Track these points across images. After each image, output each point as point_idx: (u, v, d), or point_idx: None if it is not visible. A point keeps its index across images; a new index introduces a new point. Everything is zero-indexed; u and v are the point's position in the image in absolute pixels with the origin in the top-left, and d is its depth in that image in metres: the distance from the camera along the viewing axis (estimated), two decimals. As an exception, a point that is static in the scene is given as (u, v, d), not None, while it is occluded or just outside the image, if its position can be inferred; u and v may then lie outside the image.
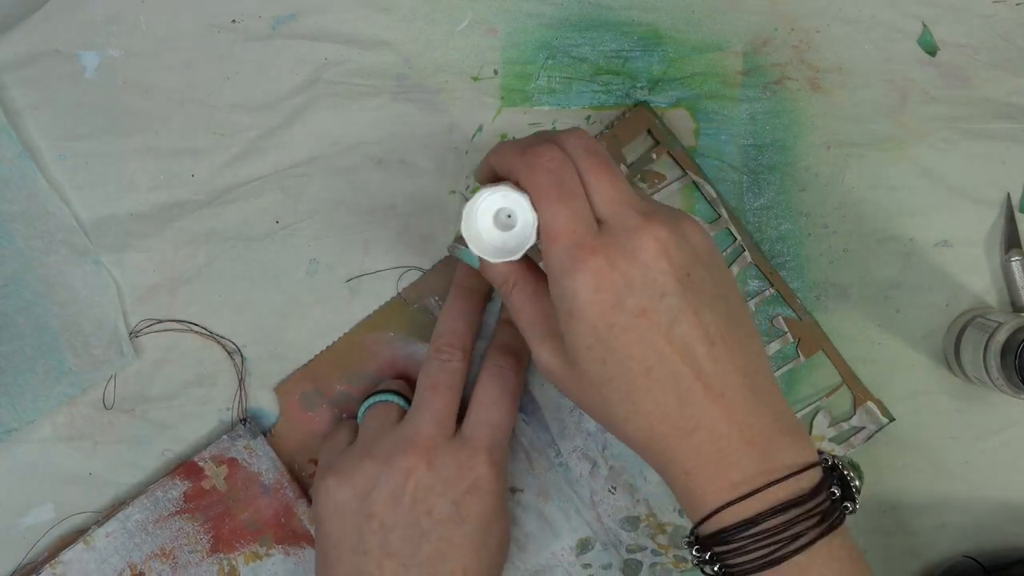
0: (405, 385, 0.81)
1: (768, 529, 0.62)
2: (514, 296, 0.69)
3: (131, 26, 0.81)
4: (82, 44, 0.81)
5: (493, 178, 0.70)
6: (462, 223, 0.67)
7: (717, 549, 0.64)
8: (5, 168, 0.80)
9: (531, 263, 0.69)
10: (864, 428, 0.82)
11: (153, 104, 0.81)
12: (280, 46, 0.81)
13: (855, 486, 0.66)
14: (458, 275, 0.81)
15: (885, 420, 0.81)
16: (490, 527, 0.74)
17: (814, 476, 0.64)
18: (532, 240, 0.66)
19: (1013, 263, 0.81)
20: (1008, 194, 0.82)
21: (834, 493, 0.65)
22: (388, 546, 0.72)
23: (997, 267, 0.82)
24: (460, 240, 0.72)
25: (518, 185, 0.66)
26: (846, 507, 0.65)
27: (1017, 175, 0.82)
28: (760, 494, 0.63)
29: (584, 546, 0.83)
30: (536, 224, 0.65)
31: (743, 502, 0.63)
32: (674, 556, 0.83)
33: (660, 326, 0.63)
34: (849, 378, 0.82)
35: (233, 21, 0.81)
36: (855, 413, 0.82)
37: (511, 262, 0.68)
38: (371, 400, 0.79)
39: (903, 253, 0.82)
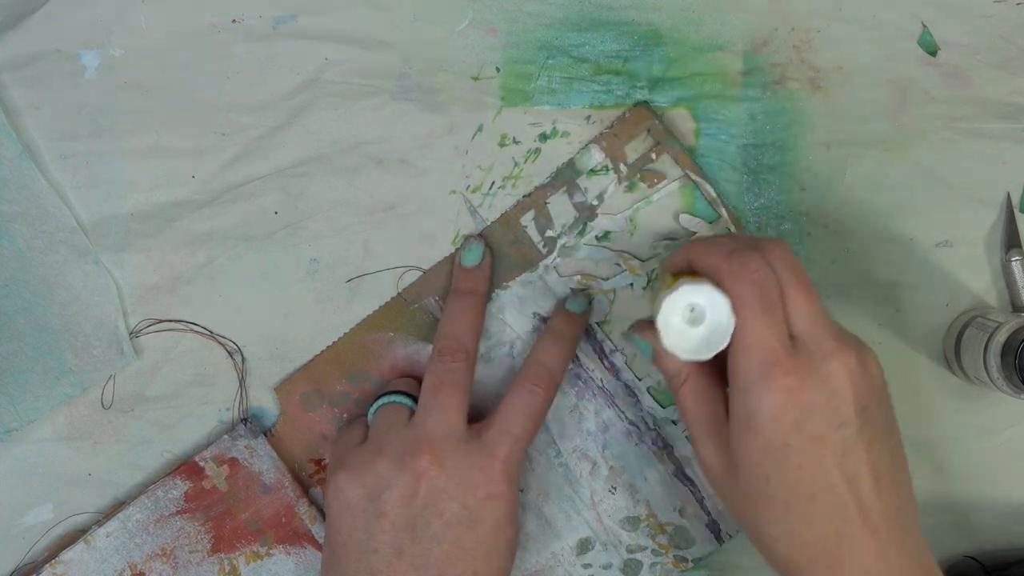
0: (414, 384, 0.81)
1: None
2: (684, 391, 0.70)
3: (131, 26, 0.81)
4: (82, 44, 0.81)
5: (684, 269, 0.70)
6: (658, 312, 0.66)
7: None
8: (5, 168, 0.80)
9: (704, 362, 0.68)
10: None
11: (153, 104, 0.81)
12: (280, 46, 0.81)
13: None
14: (456, 277, 0.81)
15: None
16: (501, 533, 0.74)
17: None
18: (725, 343, 0.65)
19: (1013, 263, 0.81)
20: (1008, 194, 0.82)
21: None
22: (399, 546, 0.72)
23: (997, 267, 0.82)
24: (636, 327, 0.73)
25: (718, 285, 0.66)
26: None
27: (1017, 175, 0.82)
28: None
29: (584, 546, 0.83)
30: (732, 330, 0.65)
31: None
32: (674, 556, 0.83)
33: (833, 455, 0.63)
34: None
35: (233, 21, 0.81)
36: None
37: (673, 364, 0.69)
38: (380, 401, 0.79)
39: (903, 253, 0.82)
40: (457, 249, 0.82)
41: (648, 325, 0.71)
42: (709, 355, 0.66)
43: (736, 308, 0.65)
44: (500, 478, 0.74)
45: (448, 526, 0.72)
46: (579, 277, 0.82)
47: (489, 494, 0.73)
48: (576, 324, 0.81)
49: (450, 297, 0.80)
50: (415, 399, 0.78)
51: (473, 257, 0.80)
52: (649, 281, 0.82)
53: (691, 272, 0.69)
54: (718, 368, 0.70)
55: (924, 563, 0.66)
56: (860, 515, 0.64)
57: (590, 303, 0.82)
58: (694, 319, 0.66)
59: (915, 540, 0.66)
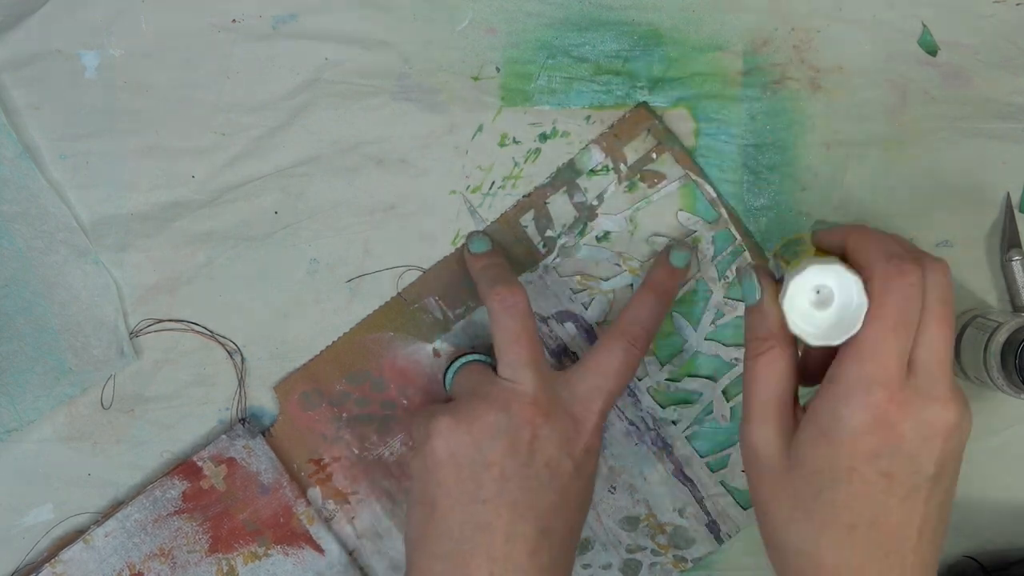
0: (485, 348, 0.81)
1: None
2: (763, 361, 0.66)
3: (131, 26, 0.81)
4: (82, 44, 0.81)
5: (832, 248, 0.68)
6: (788, 280, 0.64)
7: None
8: (5, 168, 0.80)
9: (793, 340, 0.67)
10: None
11: (153, 104, 0.81)
12: (280, 46, 0.81)
13: None
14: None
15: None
16: (592, 485, 0.74)
17: None
18: (854, 332, 0.62)
19: (1013, 263, 0.81)
20: (1008, 194, 0.82)
21: None
22: (508, 495, 0.70)
23: (997, 267, 0.82)
24: (758, 270, 0.69)
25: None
26: None
27: (1017, 175, 0.82)
28: None
29: (583, 546, 0.83)
30: (861, 322, 0.62)
31: None
32: (673, 556, 0.83)
33: (896, 495, 0.62)
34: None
35: (233, 21, 0.81)
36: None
37: (783, 328, 0.65)
38: (456, 364, 0.79)
39: (903, 253, 0.82)
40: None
41: (768, 274, 0.68)
42: (838, 341, 0.63)
43: (871, 313, 0.62)
44: (596, 432, 0.73)
45: (556, 476, 0.71)
46: (579, 277, 0.82)
47: (588, 447, 0.73)
48: (677, 279, 0.79)
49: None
50: (490, 356, 0.78)
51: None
52: (786, 246, 0.81)
53: (840, 256, 0.66)
54: (798, 356, 0.68)
55: None
56: (896, 559, 0.63)
57: (693, 255, 0.80)
58: (821, 303, 0.64)
59: None
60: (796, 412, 0.66)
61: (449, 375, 0.79)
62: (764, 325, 0.67)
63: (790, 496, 0.64)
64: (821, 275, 0.63)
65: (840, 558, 0.63)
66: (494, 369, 0.75)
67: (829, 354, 0.64)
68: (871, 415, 0.61)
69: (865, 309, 0.62)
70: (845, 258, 0.65)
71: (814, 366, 0.67)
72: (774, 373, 0.66)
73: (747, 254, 0.82)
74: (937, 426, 0.62)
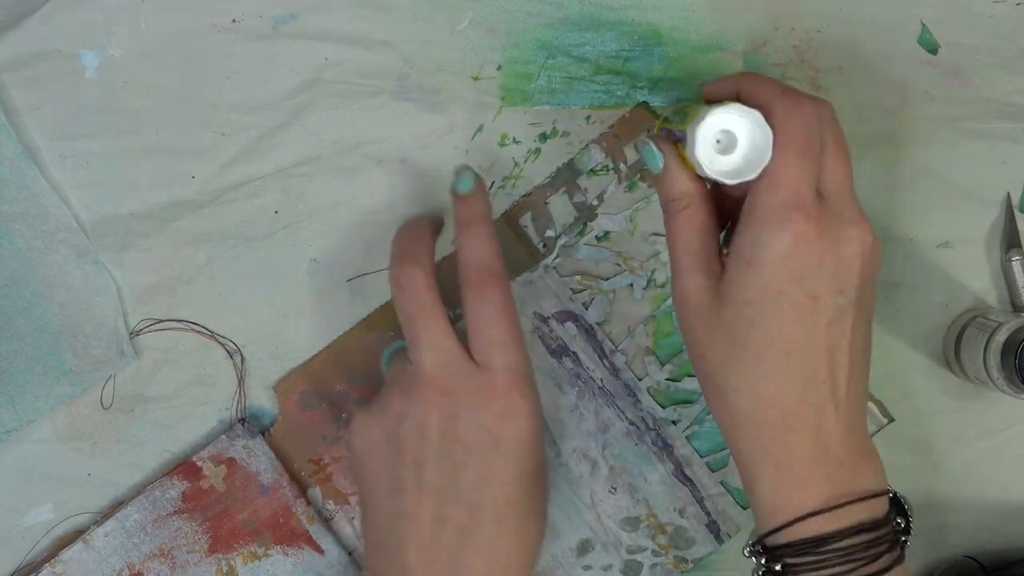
0: None
1: (845, 548, 0.63)
2: (682, 217, 0.68)
3: (131, 26, 0.81)
4: (82, 44, 0.81)
5: (724, 98, 0.68)
6: (694, 127, 0.65)
7: (791, 560, 0.64)
8: (5, 168, 0.80)
9: (708, 195, 0.68)
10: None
11: (153, 104, 0.81)
12: (280, 46, 0.81)
13: (911, 522, 0.67)
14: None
15: (885, 421, 0.81)
16: (528, 453, 0.70)
17: (884, 505, 0.65)
18: (756, 173, 0.64)
19: (1013, 263, 0.81)
20: (1008, 193, 0.82)
21: (899, 523, 0.66)
22: (424, 481, 0.69)
23: (997, 267, 0.82)
24: (654, 137, 0.70)
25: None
26: (904, 540, 0.66)
27: (1017, 175, 0.82)
28: (842, 511, 0.63)
29: (584, 547, 0.83)
30: (768, 158, 0.64)
31: (824, 517, 0.63)
32: (674, 557, 0.83)
33: (823, 318, 0.63)
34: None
35: (233, 21, 0.81)
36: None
37: (692, 181, 0.67)
38: (388, 351, 0.77)
39: (903, 253, 0.82)
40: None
41: (666, 139, 0.69)
42: (736, 180, 0.65)
43: (776, 143, 0.64)
44: (507, 390, 0.69)
45: (470, 450, 0.69)
46: (579, 277, 0.82)
47: (502, 409, 0.69)
48: (475, 204, 0.73)
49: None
50: None
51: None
52: (675, 112, 0.78)
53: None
54: (716, 205, 0.69)
55: (869, 450, 0.66)
56: (829, 385, 0.64)
57: (477, 177, 0.74)
58: (726, 148, 0.65)
59: (863, 427, 0.66)
60: (721, 259, 0.67)
61: (383, 364, 0.78)
62: (676, 186, 0.68)
63: (724, 335, 0.65)
64: (724, 116, 0.65)
65: (778, 387, 0.64)
66: None
67: (742, 194, 0.66)
68: (791, 237, 0.62)
69: (771, 139, 0.64)
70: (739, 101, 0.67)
71: (729, 209, 0.69)
72: (694, 226, 0.68)
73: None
74: (853, 246, 0.63)
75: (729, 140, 0.65)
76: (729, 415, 0.66)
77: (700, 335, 0.67)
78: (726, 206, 0.70)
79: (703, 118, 0.65)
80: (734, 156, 0.65)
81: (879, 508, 0.65)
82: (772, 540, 0.65)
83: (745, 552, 0.67)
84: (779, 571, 0.65)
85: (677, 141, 0.69)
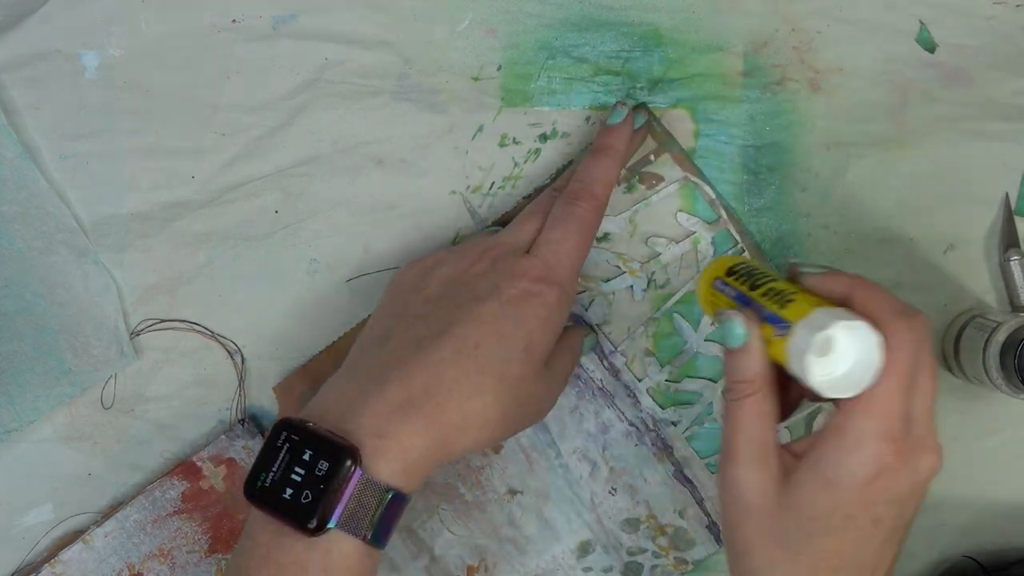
0: None
1: None
2: (748, 404, 0.65)
3: (131, 26, 0.81)
4: (82, 44, 0.81)
5: (830, 295, 0.65)
6: (806, 326, 0.62)
7: None
8: (5, 168, 0.80)
9: (776, 383, 0.66)
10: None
11: (153, 104, 0.81)
12: (280, 46, 0.81)
13: None
14: (598, 135, 0.78)
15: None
16: (524, 327, 0.70)
17: None
18: (868, 385, 0.61)
19: (1012, 263, 0.81)
20: (1007, 194, 0.82)
21: None
22: (422, 312, 0.71)
23: (996, 267, 0.82)
24: (739, 312, 0.66)
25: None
26: None
27: (1017, 176, 0.82)
28: None
29: (584, 548, 0.83)
30: (876, 374, 0.61)
31: None
32: (675, 558, 0.83)
33: (878, 539, 0.63)
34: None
35: (233, 21, 0.81)
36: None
37: (767, 367, 0.65)
38: (482, 228, 0.81)
39: (903, 253, 0.82)
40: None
41: (755, 318, 0.66)
42: (840, 395, 0.62)
43: (886, 369, 0.62)
44: (540, 277, 0.71)
45: (474, 299, 0.70)
46: (579, 279, 0.82)
47: (524, 289, 0.70)
48: (618, 136, 0.78)
49: (589, 153, 0.77)
50: None
51: (617, 116, 0.79)
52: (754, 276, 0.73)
53: (828, 302, 0.64)
54: (781, 395, 0.67)
55: None
56: None
57: (630, 111, 0.79)
58: (827, 351, 0.61)
59: None
60: (779, 453, 0.66)
61: None
62: (750, 368, 0.66)
63: (777, 538, 0.64)
64: (846, 330, 0.61)
65: None
66: None
67: (801, 390, 0.65)
68: (876, 468, 0.62)
69: (881, 367, 0.61)
70: (846, 306, 0.64)
71: (788, 402, 0.68)
72: (759, 416, 0.65)
73: (747, 255, 0.81)
74: (926, 475, 0.63)
75: (834, 346, 0.61)
76: None
77: (749, 531, 0.65)
78: (790, 394, 0.69)
79: (822, 326, 0.61)
80: (834, 366, 0.62)
81: None
82: None
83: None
84: None
85: (767, 322, 0.66)
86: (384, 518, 0.65)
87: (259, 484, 0.65)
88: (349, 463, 0.64)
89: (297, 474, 0.65)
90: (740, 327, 0.66)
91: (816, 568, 0.64)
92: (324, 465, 0.64)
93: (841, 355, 0.61)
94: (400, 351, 0.69)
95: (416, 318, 0.70)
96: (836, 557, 0.63)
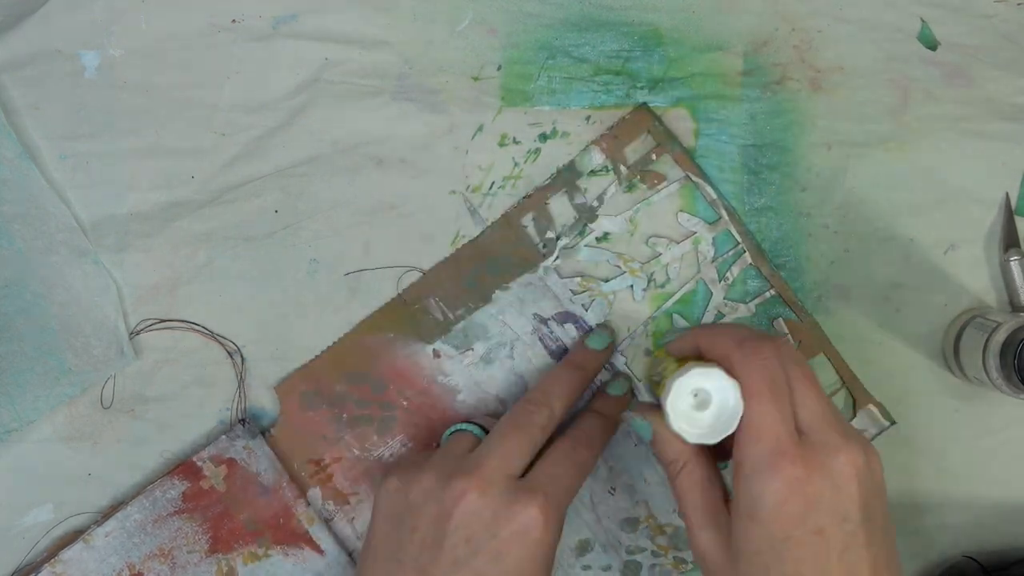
0: (492, 421, 0.80)
1: None
2: (682, 478, 0.69)
3: (131, 26, 0.81)
4: (82, 44, 0.81)
5: (689, 354, 0.72)
6: (666, 395, 0.67)
7: None
8: (5, 168, 0.80)
9: (702, 448, 0.69)
10: (864, 431, 0.82)
11: (153, 104, 0.81)
12: (280, 46, 0.81)
13: None
14: (574, 350, 0.81)
15: (886, 423, 0.81)
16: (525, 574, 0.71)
17: None
18: (733, 428, 0.66)
19: (1012, 263, 0.81)
20: (1007, 194, 0.82)
21: None
22: (421, 563, 0.70)
23: (996, 267, 0.82)
24: (637, 409, 0.72)
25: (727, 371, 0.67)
26: None
27: (1017, 175, 0.82)
28: None
29: (583, 548, 0.83)
30: (740, 415, 0.65)
31: None
32: (674, 557, 0.83)
33: (834, 549, 0.63)
34: (850, 380, 0.82)
35: (233, 21, 0.81)
36: (856, 416, 0.82)
37: (685, 444, 0.68)
38: (454, 428, 0.79)
39: (903, 253, 0.82)
40: (586, 332, 0.82)
41: (649, 407, 0.72)
42: (716, 439, 0.67)
43: (745, 395, 0.65)
44: (537, 516, 0.70)
45: (473, 553, 0.70)
46: (579, 279, 0.82)
47: (521, 529, 0.70)
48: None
49: (562, 364, 0.80)
50: (487, 431, 0.78)
51: (598, 343, 0.81)
52: (650, 367, 0.82)
53: (696, 357, 0.70)
54: (716, 457, 0.70)
55: None
56: None
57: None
58: (701, 403, 0.67)
59: None
60: (728, 508, 0.68)
61: (444, 437, 0.80)
62: (668, 451, 0.70)
63: None
64: (699, 378, 0.67)
65: None
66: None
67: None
68: (782, 483, 0.63)
69: (739, 391, 0.66)
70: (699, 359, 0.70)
71: (728, 449, 0.69)
72: (694, 482, 0.69)
73: (747, 255, 0.81)
74: (845, 472, 0.64)
75: (703, 398, 0.67)
76: None
77: None
78: (725, 448, 0.70)
79: (668, 391, 0.67)
80: (704, 416, 0.67)
81: None
82: None
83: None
84: None
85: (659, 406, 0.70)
86: None
87: None
88: None
89: None
90: (642, 423, 0.71)
91: None
92: None
93: (703, 403, 0.67)
94: None
95: (417, 570, 0.70)
96: None
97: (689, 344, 0.71)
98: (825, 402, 0.66)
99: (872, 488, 0.65)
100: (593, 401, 0.81)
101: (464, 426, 0.78)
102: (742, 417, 0.65)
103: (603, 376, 0.82)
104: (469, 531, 0.70)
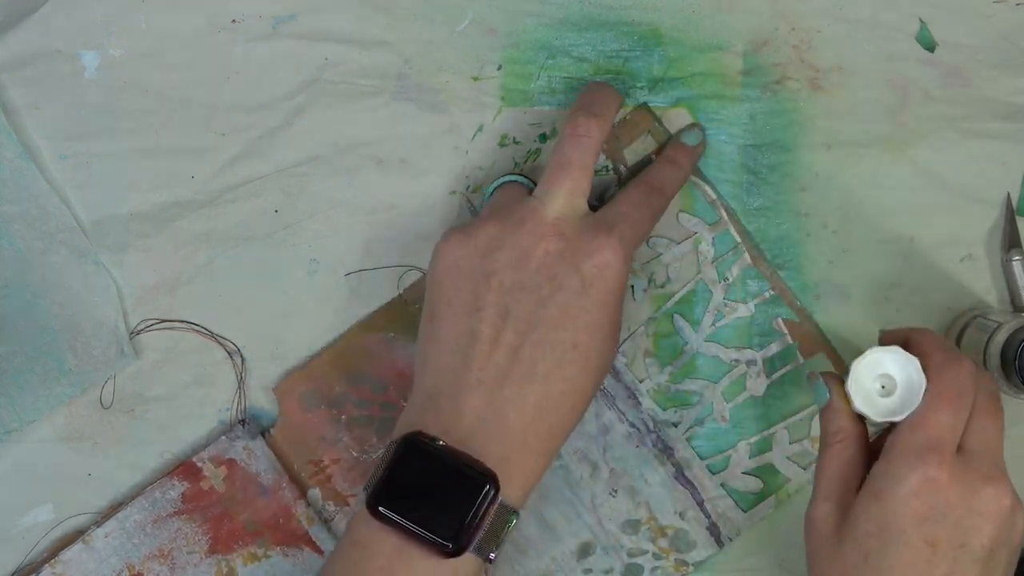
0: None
1: None
2: (835, 448, 0.69)
3: (131, 26, 0.81)
4: (82, 44, 0.81)
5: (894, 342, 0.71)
6: (855, 364, 0.70)
7: None
8: (5, 168, 0.80)
9: (864, 430, 0.70)
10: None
11: (153, 104, 0.81)
12: (280, 46, 0.81)
13: None
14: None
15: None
16: (608, 309, 0.71)
17: None
18: (914, 407, 0.67)
19: (1013, 263, 0.81)
20: (1008, 194, 0.82)
21: None
22: (505, 307, 0.70)
23: (997, 267, 0.82)
24: (824, 376, 0.73)
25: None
26: None
27: (1017, 175, 0.82)
28: None
29: (585, 550, 0.83)
30: (921, 396, 0.67)
31: None
32: (675, 560, 0.83)
33: (939, 568, 0.63)
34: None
35: (233, 21, 0.81)
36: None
37: (851, 419, 0.70)
38: (499, 181, 0.79)
39: (903, 253, 0.82)
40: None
41: (834, 377, 0.72)
42: (903, 415, 0.67)
43: (929, 390, 0.66)
44: (617, 249, 0.70)
45: (558, 289, 0.69)
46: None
47: (603, 263, 0.70)
48: (690, 156, 0.80)
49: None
50: (533, 181, 0.78)
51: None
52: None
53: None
54: (872, 452, 0.70)
55: None
56: None
57: (704, 137, 0.81)
58: (883, 387, 0.69)
59: None
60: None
61: (487, 191, 0.80)
62: (835, 421, 0.70)
63: (841, 564, 0.66)
64: (881, 356, 0.69)
65: None
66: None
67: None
68: (921, 477, 0.63)
69: (924, 387, 0.67)
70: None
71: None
72: (843, 458, 0.69)
73: (747, 255, 0.81)
74: (988, 505, 0.63)
75: (890, 385, 0.69)
76: None
77: (820, 560, 0.68)
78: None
79: (863, 357, 0.69)
80: (888, 400, 0.69)
81: None
82: None
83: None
84: None
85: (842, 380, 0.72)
86: (505, 538, 0.68)
87: (387, 497, 0.67)
88: (489, 489, 0.66)
89: (433, 494, 0.67)
90: (822, 387, 0.71)
91: None
92: (463, 488, 0.66)
93: (886, 387, 0.69)
94: (500, 365, 0.69)
95: (500, 317, 0.70)
96: None
97: (900, 335, 0.72)
98: (999, 440, 0.66)
99: (1006, 537, 0.65)
100: (667, 150, 0.80)
101: (510, 178, 0.79)
102: (915, 410, 0.66)
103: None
104: (551, 270, 0.70)
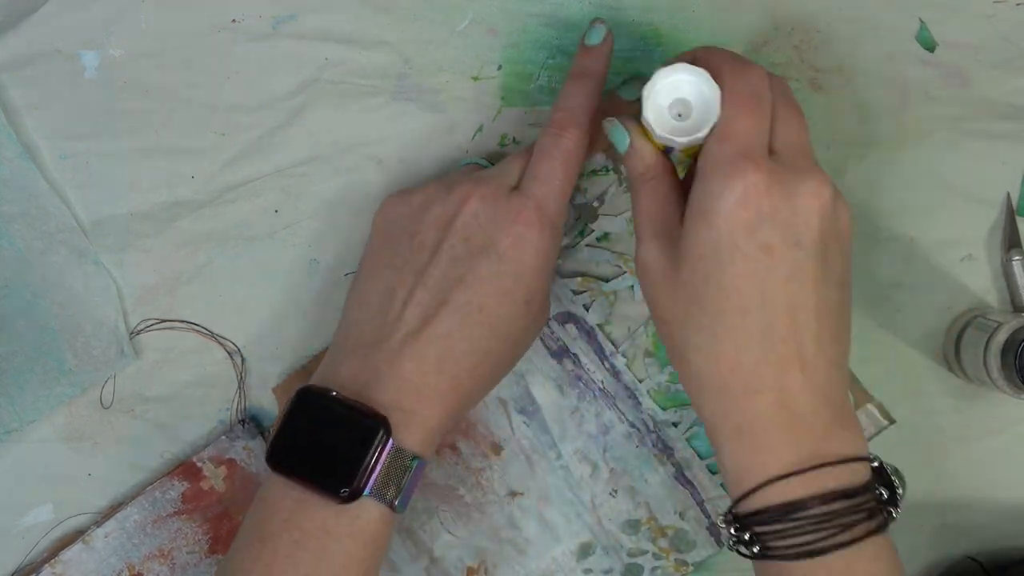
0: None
1: (816, 515, 0.61)
2: (646, 187, 0.69)
3: (131, 26, 0.81)
4: (82, 44, 0.81)
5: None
6: (645, 90, 0.67)
7: (759, 529, 0.63)
8: (5, 168, 0.80)
9: (672, 166, 0.69)
10: (864, 431, 0.81)
11: (153, 104, 0.81)
12: (280, 46, 0.81)
13: (899, 493, 0.66)
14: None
15: (885, 423, 0.81)
16: (522, 281, 0.71)
17: (863, 472, 0.64)
18: (714, 121, 0.65)
19: (1013, 263, 0.81)
20: (1008, 194, 0.82)
21: (881, 494, 0.64)
22: (419, 264, 0.71)
23: (997, 267, 0.82)
24: (619, 117, 0.71)
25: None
26: (889, 512, 0.65)
27: (1017, 175, 0.82)
28: (810, 477, 0.62)
29: (585, 550, 0.83)
30: (719, 107, 0.65)
31: (791, 482, 0.62)
32: (675, 560, 0.83)
33: (779, 271, 0.62)
34: (850, 380, 0.82)
35: (233, 21, 0.81)
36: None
37: (655, 155, 0.69)
38: (464, 162, 0.80)
39: (903, 253, 0.82)
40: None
41: (632, 120, 0.70)
42: (703, 132, 0.65)
43: (725, 99, 0.64)
44: (532, 219, 0.70)
45: (470, 253, 0.70)
46: (580, 278, 0.82)
47: (518, 235, 0.70)
48: (597, 58, 0.75)
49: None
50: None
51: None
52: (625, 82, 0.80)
53: None
54: (683, 180, 0.69)
55: (844, 416, 0.65)
56: (792, 345, 0.63)
57: (609, 30, 0.76)
58: (680, 117, 0.67)
59: (839, 392, 0.65)
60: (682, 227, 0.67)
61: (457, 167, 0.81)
62: (641, 161, 0.69)
63: (683, 295, 0.65)
64: (674, 80, 0.66)
65: (737, 346, 0.63)
66: None
67: None
68: (741, 186, 0.62)
69: (719, 95, 0.65)
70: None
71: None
72: (657, 195, 0.68)
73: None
74: (809, 198, 0.63)
75: (685, 109, 0.66)
76: (692, 379, 0.66)
77: (661, 299, 0.67)
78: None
79: (652, 83, 0.67)
80: (684, 123, 0.66)
81: (856, 475, 0.63)
82: (742, 508, 0.64)
83: (719, 522, 0.66)
84: (749, 540, 0.64)
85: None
86: (409, 485, 0.68)
87: (282, 451, 0.68)
88: (381, 433, 0.66)
89: (325, 443, 0.67)
90: (620, 130, 0.70)
91: (721, 313, 0.63)
92: (354, 435, 0.67)
93: (685, 111, 0.66)
94: (407, 322, 0.70)
95: (414, 275, 0.71)
96: (736, 296, 0.63)
97: (687, 57, 0.69)
98: (805, 135, 0.65)
99: (833, 230, 0.64)
100: (574, 60, 0.76)
101: (475, 159, 0.79)
102: (715, 124, 0.65)
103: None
104: (467, 231, 0.70)
